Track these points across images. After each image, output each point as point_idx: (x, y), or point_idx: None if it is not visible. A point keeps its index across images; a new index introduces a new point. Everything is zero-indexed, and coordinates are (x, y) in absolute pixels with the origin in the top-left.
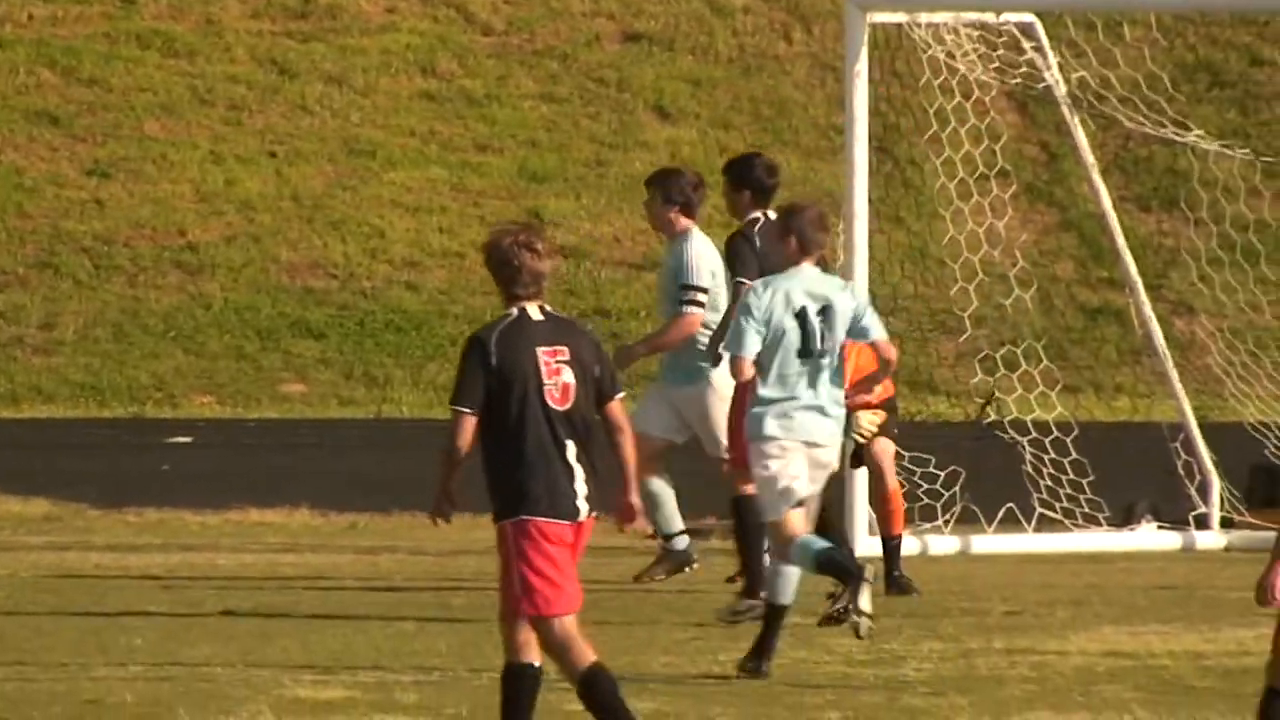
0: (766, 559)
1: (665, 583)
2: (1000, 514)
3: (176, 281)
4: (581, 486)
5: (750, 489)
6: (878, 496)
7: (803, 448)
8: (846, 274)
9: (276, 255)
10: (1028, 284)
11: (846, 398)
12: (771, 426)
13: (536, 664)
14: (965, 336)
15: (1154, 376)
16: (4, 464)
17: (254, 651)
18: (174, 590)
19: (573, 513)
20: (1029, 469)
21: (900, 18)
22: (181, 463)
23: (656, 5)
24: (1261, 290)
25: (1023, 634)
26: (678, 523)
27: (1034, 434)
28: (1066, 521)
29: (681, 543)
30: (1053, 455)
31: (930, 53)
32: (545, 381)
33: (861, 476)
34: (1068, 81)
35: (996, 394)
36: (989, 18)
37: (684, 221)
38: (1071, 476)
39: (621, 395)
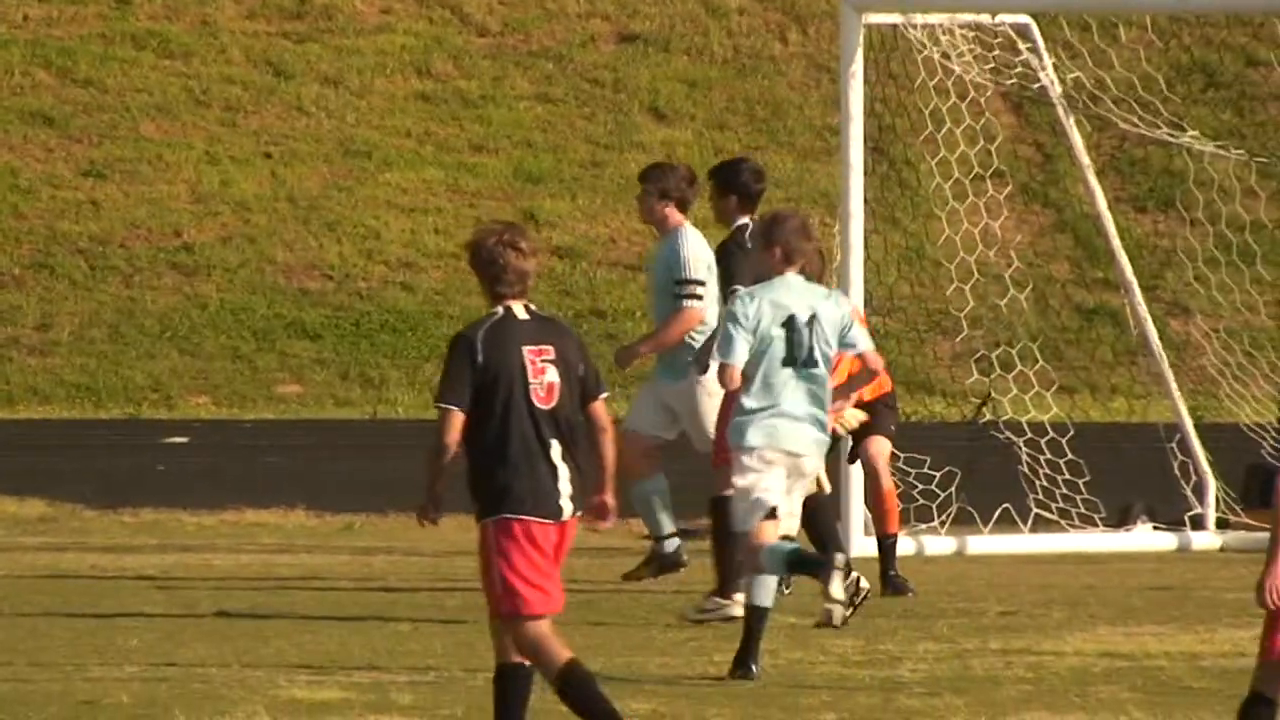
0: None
1: (660, 584)
2: (996, 515)
3: (172, 282)
4: (565, 486)
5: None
6: (872, 496)
7: (784, 457)
8: (843, 274)
9: (272, 256)
10: (1023, 285)
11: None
12: (754, 436)
13: (528, 663)
14: (961, 337)
15: (1150, 377)
16: (0, 465)
17: (249, 652)
18: (170, 591)
19: (556, 512)
20: (1025, 470)
21: (895, 18)
22: (177, 463)
23: (652, 6)
24: (1257, 291)
25: (1018, 634)
26: (669, 525)
27: (1030, 435)
28: (1062, 522)
29: (670, 545)
30: (1049, 456)
31: (925, 53)
32: (531, 381)
33: (857, 476)
34: (1063, 82)
35: (992, 394)
36: (984, 19)
37: (677, 216)
38: (1067, 477)
39: (605, 395)
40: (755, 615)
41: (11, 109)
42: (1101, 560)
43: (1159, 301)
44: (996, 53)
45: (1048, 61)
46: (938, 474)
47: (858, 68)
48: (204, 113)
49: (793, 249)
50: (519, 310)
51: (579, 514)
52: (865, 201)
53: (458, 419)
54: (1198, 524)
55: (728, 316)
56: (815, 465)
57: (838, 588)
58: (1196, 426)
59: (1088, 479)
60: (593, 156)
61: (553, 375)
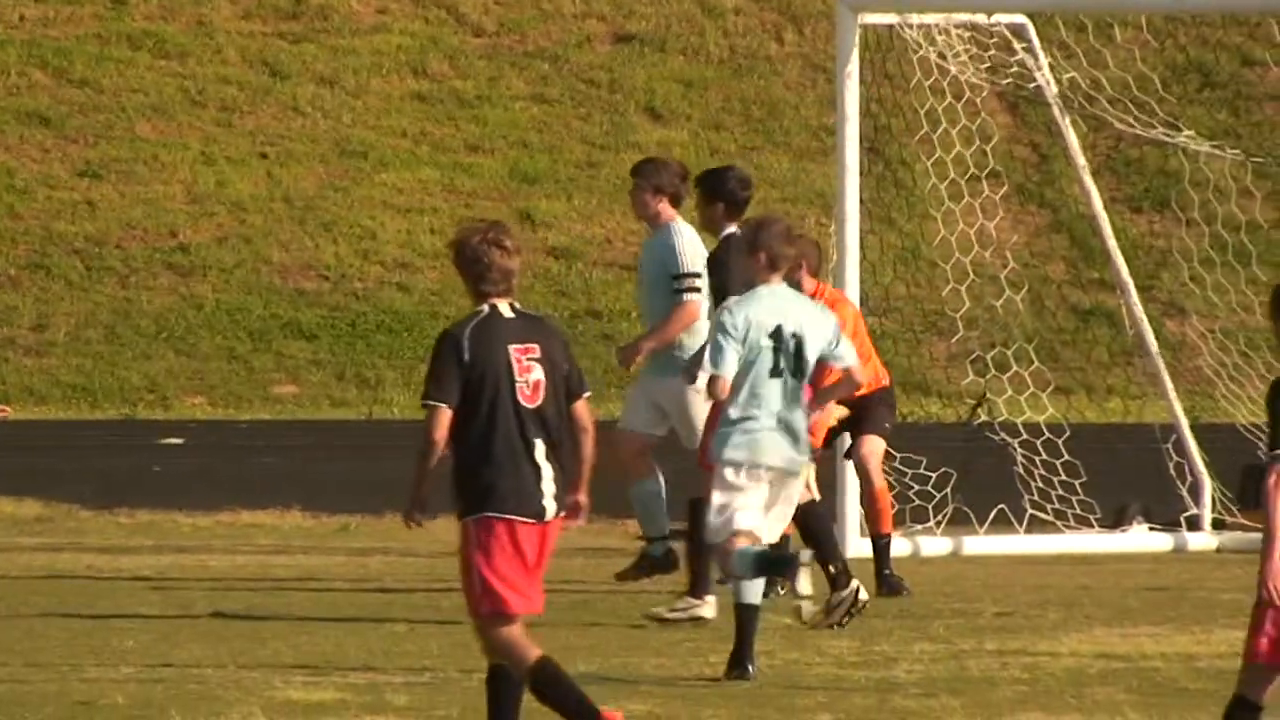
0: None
1: (655, 584)
2: (992, 515)
3: (168, 283)
4: (549, 486)
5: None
6: (865, 496)
7: (766, 472)
8: (838, 275)
9: (268, 256)
10: (1019, 285)
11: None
12: (735, 451)
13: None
14: (957, 338)
15: (1145, 378)
16: None
17: (245, 653)
18: (165, 591)
19: (539, 512)
20: (1021, 470)
21: (891, 19)
22: (173, 464)
23: (647, 6)
24: (1253, 291)
25: (1014, 635)
26: (664, 526)
27: (1026, 435)
28: (1058, 523)
29: (661, 547)
30: (1044, 457)
31: (921, 54)
32: (517, 379)
33: (852, 477)
34: (1059, 82)
35: (988, 395)
36: (980, 19)
37: (670, 212)
38: (1063, 478)
39: (588, 394)
40: (745, 614)
41: (7, 109)
42: (1097, 561)
43: (1155, 302)
44: (992, 53)
45: (1043, 61)
46: (933, 475)
47: (853, 68)
48: (200, 113)
49: (777, 254)
50: (504, 309)
51: (562, 514)
52: (861, 202)
53: (445, 416)
54: (1194, 525)
55: (717, 327)
56: (801, 473)
57: (806, 584)
58: (1192, 427)
59: (1083, 480)
60: (588, 157)
61: (538, 373)
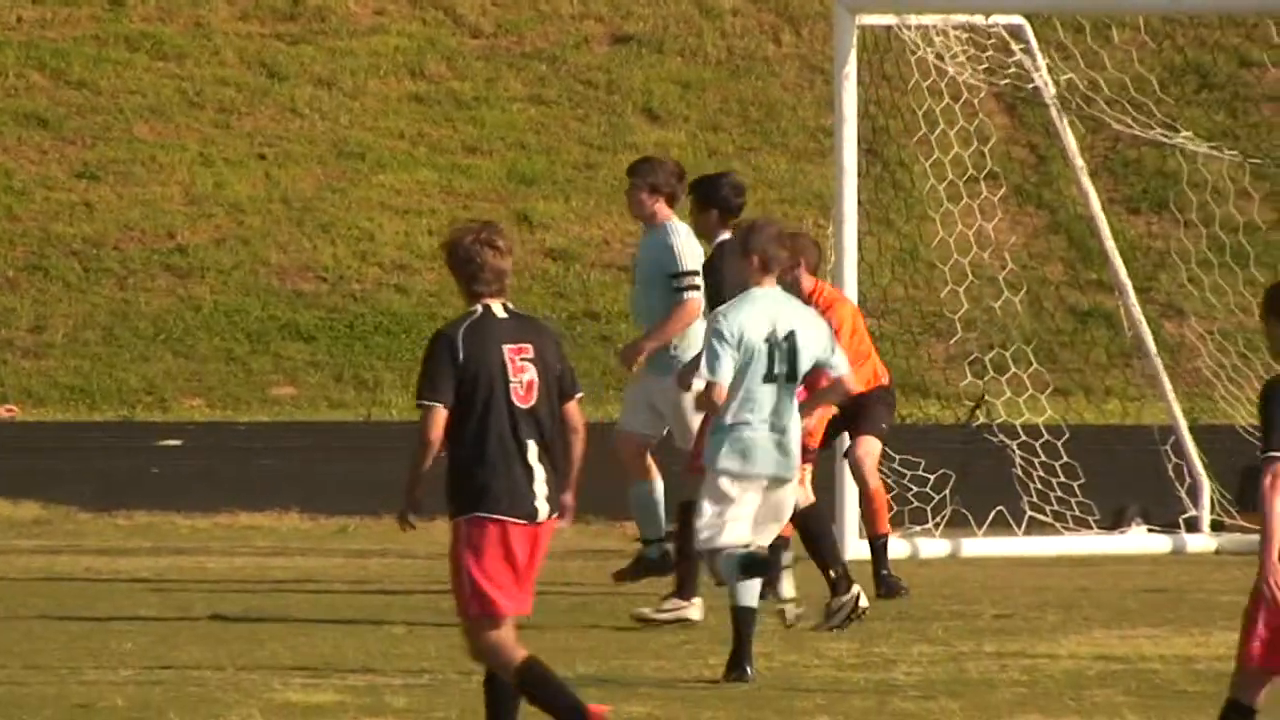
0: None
1: (654, 585)
2: (991, 517)
3: (166, 284)
4: (541, 487)
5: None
6: (861, 497)
7: (757, 482)
8: (837, 276)
9: (266, 258)
10: (1017, 287)
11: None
12: (729, 460)
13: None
14: (955, 339)
15: (1144, 379)
16: None
17: (244, 655)
18: (164, 593)
19: (531, 514)
20: (1019, 472)
21: (889, 20)
22: (171, 466)
23: (645, 7)
24: (1251, 292)
25: (1013, 637)
26: (660, 528)
27: (1024, 437)
28: (1057, 524)
29: (658, 549)
30: (1043, 458)
31: (919, 54)
32: (511, 379)
33: (850, 478)
34: (1056, 84)
35: (987, 397)
36: (978, 20)
37: (666, 211)
38: (1062, 480)
39: (580, 395)
40: (741, 616)
41: (5, 110)
42: (1096, 563)
43: (1153, 303)
44: (990, 54)
45: (1041, 63)
46: (932, 476)
47: (851, 69)
48: (197, 114)
49: (770, 257)
50: (497, 309)
51: (555, 516)
52: (859, 203)
53: (441, 415)
54: (1192, 526)
55: (712, 333)
56: (790, 483)
57: (789, 588)
58: (1191, 428)
59: (1082, 481)
60: (586, 158)
61: (532, 374)
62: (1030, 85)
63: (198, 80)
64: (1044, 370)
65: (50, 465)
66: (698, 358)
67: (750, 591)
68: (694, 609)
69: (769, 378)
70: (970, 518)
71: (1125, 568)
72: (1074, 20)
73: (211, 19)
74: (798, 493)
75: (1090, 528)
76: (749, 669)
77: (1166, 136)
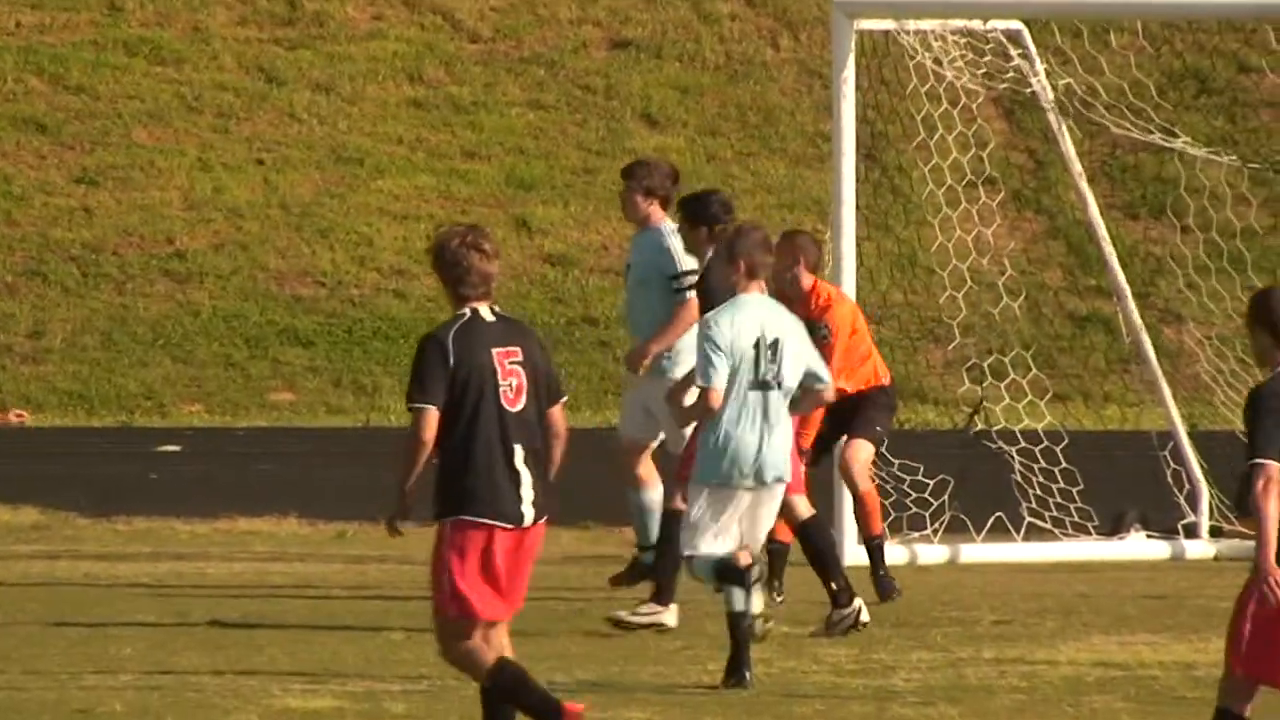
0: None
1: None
2: (989, 523)
3: (165, 290)
4: (528, 492)
5: (681, 504)
6: (854, 500)
7: (744, 488)
8: (835, 281)
9: (265, 263)
10: (1016, 292)
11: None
12: (713, 470)
13: (509, 660)
14: (954, 345)
15: (1143, 385)
16: None
17: (243, 660)
18: (163, 599)
19: (516, 518)
20: (1018, 478)
21: (887, 24)
22: (170, 471)
23: (644, 12)
24: (1249, 297)
25: (1012, 644)
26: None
27: (1023, 443)
28: (1056, 531)
29: (653, 556)
30: (1042, 464)
31: (917, 59)
32: (500, 382)
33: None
34: (1054, 88)
35: (985, 403)
36: (976, 25)
37: (660, 213)
38: (1061, 485)
39: (564, 399)
40: (737, 622)
41: (4, 116)
42: (1095, 569)
43: (1152, 309)
44: (988, 59)
45: (1039, 68)
46: (931, 482)
47: (850, 74)
48: (196, 119)
49: (756, 263)
50: (485, 312)
51: (542, 521)
52: (857, 208)
53: (434, 417)
54: (1191, 532)
55: (704, 340)
56: (777, 490)
57: (758, 603)
58: (1190, 434)
59: (1081, 487)
60: (585, 163)
61: (520, 377)
62: (1028, 90)
63: (196, 85)
64: (1043, 376)
65: (49, 470)
66: (687, 377)
67: (744, 596)
68: (669, 615)
69: (756, 384)
70: (969, 523)
71: (1124, 574)
72: (1072, 25)
73: (210, 24)
74: (798, 504)
75: (1089, 534)
76: (747, 674)
77: (1165, 141)
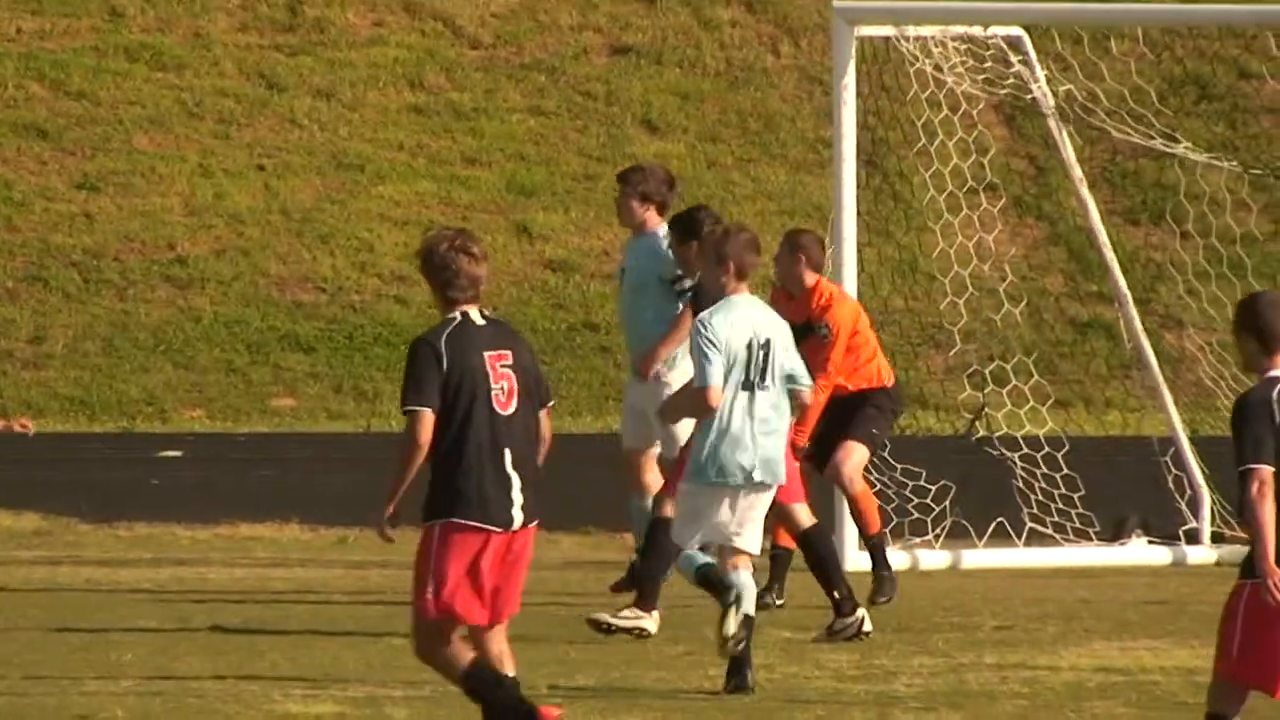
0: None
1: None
2: (991, 528)
3: (166, 295)
4: (517, 496)
5: (670, 512)
6: (848, 503)
7: (734, 492)
8: None
9: (266, 269)
10: (1017, 298)
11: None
12: (707, 468)
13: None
14: (955, 351)
15: (1144, 390)
16: None
17: (244, 666)
18: (164, 604)
19: (506, 521)
20: (1019, 484)
21: (888, 31)
22: (171, 477)
23: (644, 19)
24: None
25: (1014, 649)
26: None
27: (1024, 449)
28: (1057, 536)
29: None
30: (1043, 470)
31: (918, 66)
32: (492, 386)
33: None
34: (1055, 95)
35: (986, 409)
36: (976, 31)
37: (656, 219)
38: (1062, 491)
39: (552, 404)
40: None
41: (4, 122)
42: (1096, 574)
43: (1153, 315)
44: (989, 65)
45: (1040, 74)
46: (932, 488)
47: (850, 80)
48: (197, 125)
49: (744, 264)
50: (475, 315)
51: (533, 524)
52: (858, 214)
53: (429, 419)
54: (1193, 538)
55: (700, 339)
56: (773, 482)
57: (731, 625)
58: (1191, 440)
59: (1082, 493)
60: (585, 169)
61: (512, 381)
62: (1029, 96)
63: (197, 91)
64: (1044, 382)
65: (50, 476)
66: (681, 391)
67: (748, 598)
68: (651, 621)
69: (747, 384)
70: (970, 529)
71: (1126, 579)
72: (1073, 31)
73: (211, 30)
74: (799, 513)
75: (1091, 539)
76: (749, 675)
77: (1166, 146)
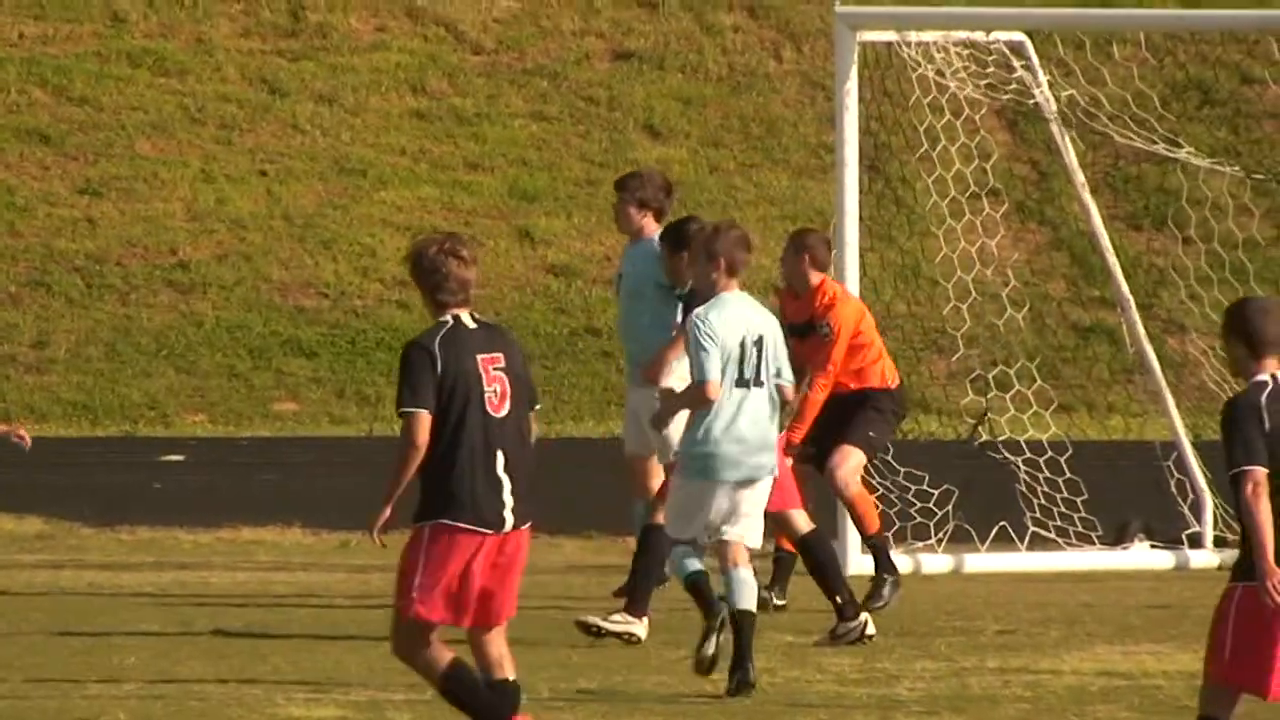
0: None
1: (655, 603)
2: (993, 533)
3: (168, 300)
4: (509, 498)
5: (661, 519)
6: (846, 506)
7: (727, 487)
8: None
9: (268, 274)
10: (1020, 303)
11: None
12: (700, 464)
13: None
14: (957, 356)
15: (1147, 395)
16: None
17: (246, 670)
18: (167, 608)
19: (497, 523)
20: (1022, 488)
21: (890, 36)
22: (174, 481)
23: (646, 24)
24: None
25: (1016, 653)
26: None
27: (1027, 453)
28: (1060, 540)
29: None
30: (1046, 474)
31: (920, 71)
32: (485, 388)
33: None
34: (1057, 100)
35: (989, 414)
36: (979, 36)
37: (653, 225)
38: (1065, 495)
39: (539, 406)
40: (741, 619)
41: (7, 127)
42: (1099, 578)
43: (1155, 319)
44: (991, 70)
45: (1042, 79)
46: (935, 492)
47: (852, 85)
48: (199, 130)
49: (735, 260)
50: (466, 319)
51: (525, 526)
52: (861, 219)
53: (426, 420)
54: (1195, 542)
55: (697, 338)
56: (767, 475)
57: (709, 647)
58: (1195, 444)
59: (1085, 497)
60: (588, 174)
61: (504, 383)
62: (1031, 101)
63: (199, 96)
64: (1047, 386)
65: (53, 480)
66: (676, 399)
67: (749, 596)
68: (640, 626)
69: (741, 381)
70: (973, 533)
71: (1128, 583)
72: (1075, 36)
73: (213, 36)
74: (797, 519)
75: (1093, 543)
76: (750, 669)
77: (1169, 151)
